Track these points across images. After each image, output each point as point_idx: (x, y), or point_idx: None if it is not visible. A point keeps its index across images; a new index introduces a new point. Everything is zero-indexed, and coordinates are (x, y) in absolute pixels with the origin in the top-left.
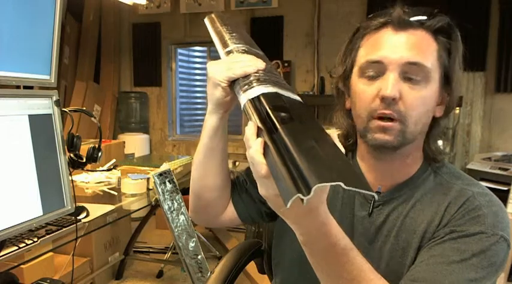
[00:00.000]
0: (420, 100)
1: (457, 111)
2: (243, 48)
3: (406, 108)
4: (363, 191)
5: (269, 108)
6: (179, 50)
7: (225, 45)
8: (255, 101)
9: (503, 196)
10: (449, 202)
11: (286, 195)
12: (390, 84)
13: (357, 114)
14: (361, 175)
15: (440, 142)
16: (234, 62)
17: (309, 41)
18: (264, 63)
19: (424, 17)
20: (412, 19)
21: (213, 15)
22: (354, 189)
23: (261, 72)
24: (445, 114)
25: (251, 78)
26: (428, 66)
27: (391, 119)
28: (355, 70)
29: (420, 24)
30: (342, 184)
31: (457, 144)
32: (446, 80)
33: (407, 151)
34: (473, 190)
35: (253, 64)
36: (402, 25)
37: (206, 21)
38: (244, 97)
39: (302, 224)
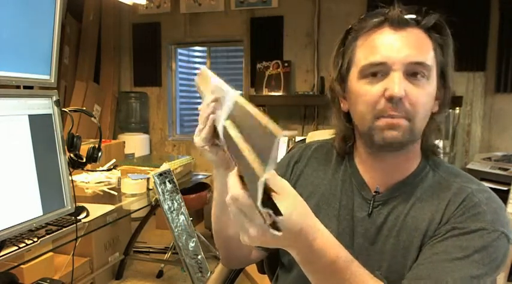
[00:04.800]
0: (425, 98)
1: (457, 111)
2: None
3: (412, 106)
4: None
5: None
6: (179, 50)
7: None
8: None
9: (503, 196)
10: (449, 199)
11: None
12: (397, 83)
13: (360, 116)
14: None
15: (439, 142)
16: (197, 128)
17: (309, 41)
18: (211, 97)
19: (419, 15)
20: (409, 18)
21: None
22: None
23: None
24: (440, 109)
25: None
26: (430, 64)
27: (399, 117)
28: (354, 72)
29: (416, 23)
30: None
31: (457, 144)
32: (442, 76)
33: (411, 148)
34: (472, 187)
35: (204, 111)
36: (401, 24)
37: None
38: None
39: (295, 247)
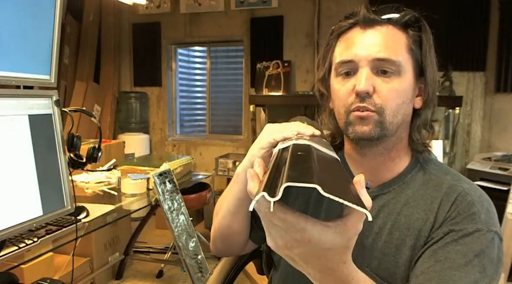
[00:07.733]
0: (394, 92)
1: (457, 111)
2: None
3: (381, 100)
4: (349, 204)
5: (291, 148)
6: (179, 50)
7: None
8: (283, 149)
9: (503, 196)
10: (441, 199)
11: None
12: (363, 79)
13: (337, 111)
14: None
15: (429, 139)
16: (280, 128)
17: (309, 41)
18: (313, 131)
19: (391, 13)
20: (377, 16)
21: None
22: (334, 197)
23: (304, 136)
24: (425, 105)
25: (292, 138)
26: (398, 60)
27: (367, 110)
28: (332, 70)
29: (387, 20)
30: (318, 187)
31: (457, 144)
32: (421, 71)
33: (389, 144)
34: (463, 186)
35: (295, 129)
36: (368, 23)
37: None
38: (276, 149)
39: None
